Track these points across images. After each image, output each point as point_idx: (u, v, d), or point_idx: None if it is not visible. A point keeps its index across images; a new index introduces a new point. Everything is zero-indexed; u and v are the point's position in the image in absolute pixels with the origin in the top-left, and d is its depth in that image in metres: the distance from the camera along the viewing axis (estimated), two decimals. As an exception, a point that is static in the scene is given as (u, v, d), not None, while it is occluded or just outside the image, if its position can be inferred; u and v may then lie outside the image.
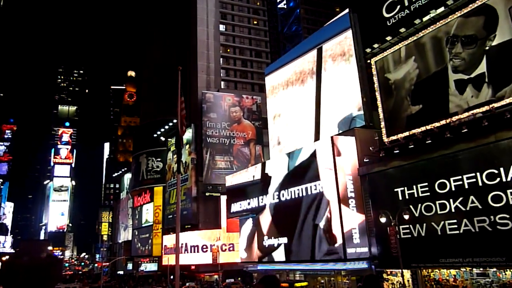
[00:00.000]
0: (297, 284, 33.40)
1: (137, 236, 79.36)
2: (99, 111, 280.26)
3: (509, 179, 22.64)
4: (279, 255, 36.47)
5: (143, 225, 77.03)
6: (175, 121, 63.86)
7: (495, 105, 24.39)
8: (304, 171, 34.68)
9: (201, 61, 70.02)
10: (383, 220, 24.84)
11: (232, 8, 78.21)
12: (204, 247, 54.34)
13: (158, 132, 75.48)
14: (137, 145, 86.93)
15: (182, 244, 54.76)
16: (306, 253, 33.20)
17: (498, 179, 23.15)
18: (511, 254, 22.05)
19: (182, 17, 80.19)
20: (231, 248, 52.53)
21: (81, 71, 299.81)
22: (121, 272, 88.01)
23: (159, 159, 76.14)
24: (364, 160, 31.72)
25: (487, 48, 25.57)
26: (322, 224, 32.14)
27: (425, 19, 29.84)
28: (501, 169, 23.01)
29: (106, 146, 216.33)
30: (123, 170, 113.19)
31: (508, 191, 22.58)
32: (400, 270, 25.77)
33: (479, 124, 24.52)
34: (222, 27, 75.59)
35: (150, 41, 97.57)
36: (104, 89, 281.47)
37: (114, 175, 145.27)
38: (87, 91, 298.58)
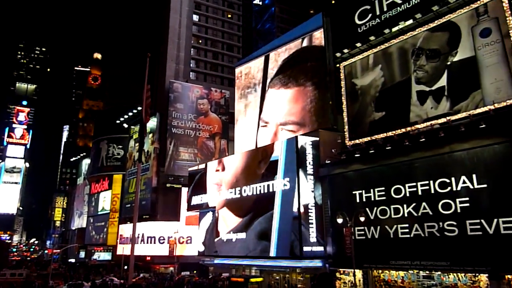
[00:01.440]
0: (252, 280, 33.75)
1: (92, 223, 77.20)
2: (60, 92, 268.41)
3: (459, 188, 23.94)
4: (236, 249, 36.71)
5: (99, 213, 75.02)
6: (140, 108, 62.51)
7: (452, 118, 25.71)
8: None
9: (171, 49, 68.85)
10: (340, 220, 25.55)
11: (207, -1, 77.34)
12: (161, 238, 53.70)
13: (122, 119, 73.55)
14: (98, 130, 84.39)
15: (138, 234, 53.84)
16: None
17: (449, 188, 24.42)
18: (455, 259, 23.38)
19: (154, 2, 78.41)
20: (188, 241, 52.22)
21: (44, 49, 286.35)
22: (73, 260, 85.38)
23: (120, 146, 74.29)
24: (326, 162, 32.44)
25: (448, 63, 26.84)
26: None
27: (394, 29, 30.88)
28: (453, 178, 24.29)
29: (66, 129, 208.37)
30: (81, 155, 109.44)
31: (457, 200, 23.89)
32: (352, 270, 26.65)
33: (436, 134, 25.72)
34: (195, 17, 74.61)
35: (119, 24, 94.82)
36: (67, 69, 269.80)
37: (72, 160, 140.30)
38: (48, 70, 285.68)
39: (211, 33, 76.27)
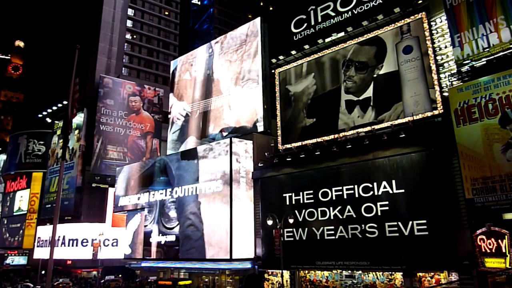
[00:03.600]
0: (181, 283, 33.20)
1: (6, 225, 70.83)
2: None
3: (380, 193, 25.65)
4: (164, 252, 35.91)
5: (14, 214, 69.03)
6: (65, 102, 58.80)
7: (376, 127, 27.51)
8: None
9: (103, 43, 65.59)
10: (270, 222, 26.07)
11: (143, -6, 75.00)
12: (85, 241, 50.76)
13: (45, 113, 68.48)
14: (17, 124, 77.95)
15: (59, 236, 50.49)
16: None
17: (371, 192, 26.06)
18: (374, 258, 24.98)
19: (87, -8, 74.26)
20: (114, 244, 49.99)
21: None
22: (-19, 265, 77.53)
23: (42, 142, 69.09)
24: (259, 165, 32.97)
25: (375, 75, 28.71)
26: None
27: (327, 40, 32.35)
28: (375, 183, 25.96)
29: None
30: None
31: (378, 204, 25.58)
32: (280, 271, 27.30)
33: (361, 142, 27.33)
34: (130, 12, 71.94)
35: (46, 11, 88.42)
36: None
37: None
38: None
39: (147, 29, 74.07)
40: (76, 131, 58.02)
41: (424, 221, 23.36)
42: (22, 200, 67.94)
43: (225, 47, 41.83)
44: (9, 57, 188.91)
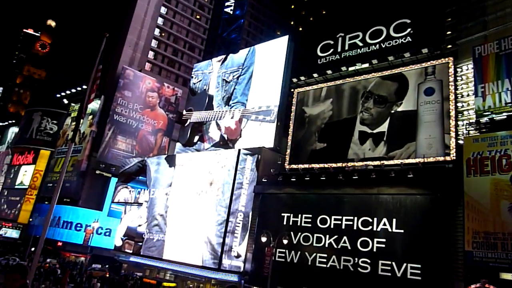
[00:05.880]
0: (165, 284, 32.99)
1: (5, 196, 71.36)
2: (1, 52, 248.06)
3: (378, 229, 25.30)
4: (155, 250, 35.81)
5: (16, 187, 69.58)
6: (85, 87, 59.61)
7: (385, 162, 27.27)
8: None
9: (132, 35, 66.79)
10: (263, 239, 25.83)
11: (179, -5, 76.31)
12: (79, 225, 50.91)
13: (63, 93, 69.53)
14: (34, 100, 79.10)
15: (55, 217, 50.71)
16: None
17: (370, 227, 25.72)
18: (363, 295, 24.50)
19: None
20: (107, 233, 50.00)
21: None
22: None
23: (55, 122, 69.97)
24: (262, 180, 32.84)
25: (392, 111, 28.60)
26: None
27: (350, 69, 32.48)
28: (375, 219, 25.63)
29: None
30: (10, 121, 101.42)
31: (375, 240, 25.20)
32: (266, 290, 26.91)
33: (368, 175, 27.08)
34: (163, 10, 73.21)
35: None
36: (14, 29, 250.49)
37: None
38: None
39: (176, 29, 75.18)
40: (90, 117, 58.66)
41: (419, 266, 22.91)
42: (26, 175, 68.54)
43: (224, 66, 43.15)
44: (38, 34, 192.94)
